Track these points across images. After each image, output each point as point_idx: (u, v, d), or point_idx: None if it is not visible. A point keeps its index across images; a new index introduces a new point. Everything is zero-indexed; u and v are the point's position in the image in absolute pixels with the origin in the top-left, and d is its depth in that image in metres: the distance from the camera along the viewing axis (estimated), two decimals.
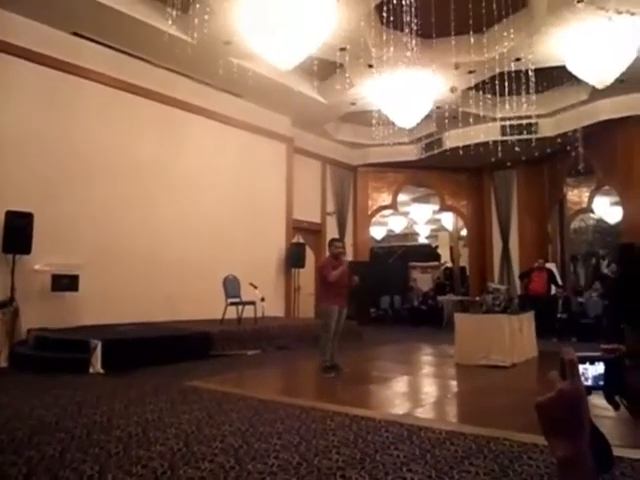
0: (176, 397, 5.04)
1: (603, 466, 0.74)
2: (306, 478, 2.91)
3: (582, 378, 0.77)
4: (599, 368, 0.79)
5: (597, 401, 0.80)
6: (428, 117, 10.78)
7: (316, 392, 5.99)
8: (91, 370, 6.36)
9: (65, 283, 7.82)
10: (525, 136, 11.62)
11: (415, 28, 7.68)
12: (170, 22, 7.69)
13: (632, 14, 7.45)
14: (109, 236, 8.61)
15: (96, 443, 3.53)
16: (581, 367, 0.77)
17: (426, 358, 8.81)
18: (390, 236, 21.97)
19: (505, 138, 11.71)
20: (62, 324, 7.67)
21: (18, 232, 7.19)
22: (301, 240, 12.64)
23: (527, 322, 8.08)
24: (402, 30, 8.04)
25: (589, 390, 0.77)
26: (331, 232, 13.29)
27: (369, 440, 3.64)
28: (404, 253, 20.40)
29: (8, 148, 7.61)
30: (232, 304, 8.80)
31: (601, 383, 0.79)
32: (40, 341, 7.04)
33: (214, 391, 5.33)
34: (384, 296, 16.15)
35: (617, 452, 3.19)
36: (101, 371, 6.35)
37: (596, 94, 9.86)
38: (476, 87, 10.39)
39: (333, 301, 6.55)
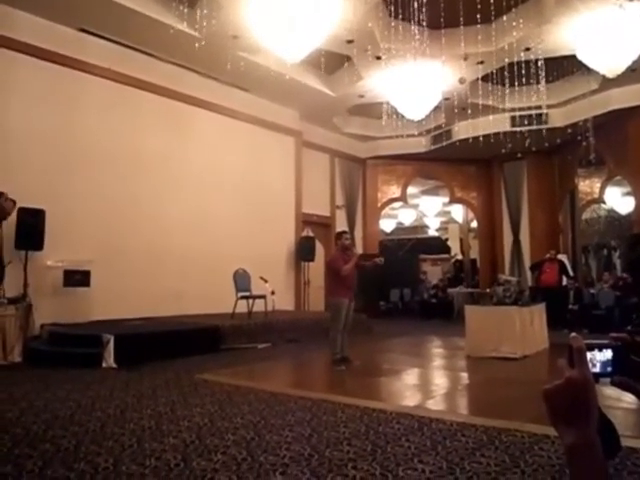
0: (188, 390, 5.08)
1: (611, 451, 0.75)
2: (317, 470, 2.93)
3: (590, 365, 0.77)
4: (607, 355, 0.79)
5: (609, 391, 0.80)
6: (437, 108, 10.73)
7: (327, 384, 6.01)
8: (104, 364, 6.42)
9: (77, 279, 7.89)
10: (535, 127, 11.54)
11: (423, 19, 7.64)
12: (177, 17, 7.71)
13: None
14: (118, 232, 8.67)
15: (110, 436, 3.57)
16: (589, 354, 0.77)
17: (436, 350, 8.80)
18: (400, 229, 21.92)
19: (515, 129, 11.63)
20: (74, 319, 7.75)
21: (30, 229, 7.26)
22: (310, 234, 12.64)
23: (538, 314, 8.04)
24: (410, 21, 8.01)
25: (597, 377, 0.77)
26: (340, 225, 13.29)
27: (380, 432, 3.65)
28: (414, 246, 20.36)
29: (16, 145, 7.67)
30: (242, 298, 8.83)
31: (609, 369, 0.79)
32: (53, 336, 7.12)
33: (225, 384, 5.37)
34: (394, 289, 16.13)
35: (629, 443, 3.18)
36: (114, 365, 6.41)
37: (607, 83, 9.76)
38: (485, 78, 10.31)
39: (343, 294, 6.56)
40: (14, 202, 2.30)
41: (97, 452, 3.23)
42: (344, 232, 7.23)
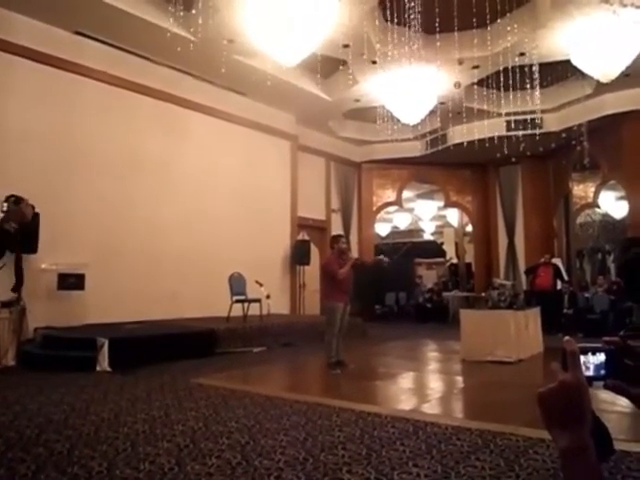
0: (182, 394, 5.06)
1: (604, 453, 0.75)
2: (312, 474, 2.92)
3: (583, 368, 0.77)
4: (600, 358, 0.79)
5: (603, 395, 0.81)
6: (432, 113, 10.76)
7: (322, 388, 6.00)
8: (98, 368, 6.40)
9: (71, 282, 7.87)
10: (530, 131, 11.59)
11: (418, 24, 7.67)
12: (173, 20, 7.71)
13: (637, 7, 7.41)
14: (113, 235, 8.64)
15: (104, 440, 3.56)
16: (583, 358, 0.78)
17: (432, 354, 8.81)
18: (395, 233, 21.95)
19: (510, 133, 11.67)
20: (68, 322, 7.71)
21: (25, 232, 7.21)
22: (306, 237, 12.65)
23: (533, 318, 8.06)
24: (405, 26, 8.04)
25: (590, 381, 0.77)
26: (336, 229, 13.30)
27: (375, 436, 3.65)
28: (409, 250, 20.37)
29: (12, 148, 7.64)
30: (238, 301, 8.82)
31: (603, 373, 0.79)
32: (47, 339, 7.08)
33: (220, 388, 5.35)
34: (389, 293, 16.14)
35: (623, 446, 3.19)
36: (108, 369, 6.39)
37: (601, 88, 9.81)
38: (480, 82, 10.36)
39: (339, 298, 6.55)
40: (33, 207, 2.35)
41: (91, 456, 3.21)
42: (340, 236, 7.23)
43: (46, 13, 7.84)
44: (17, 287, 2.36)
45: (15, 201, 2.45)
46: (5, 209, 2.50)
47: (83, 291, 7.96)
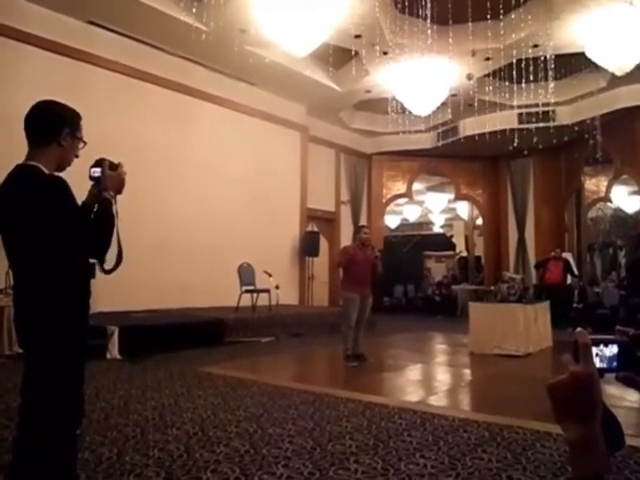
0: (191, 382, 5.10)
1: (614, 446, 0.75)
2: (320, 463, 2.94)
3: (597, 359, 0.77)
4: (613, 350, 0.79)
5: (612, 390, 0.80)
6: (444, 105, 10.70)
7: (330, 379, 6.02)
8: (108, 356, 6.45)
9: None
10: (542, 124, 11.47)
11: (431, 14, 7.62)
12: (185, 10, 7.71)
13: None
14: (123, 224, 8.60)
15: (114, 427, 3.60)
16: (595, 349, 0.77)
17: (440, 347, 8.81)
18: (404, 225, 21.89)
19: (522, 126, 11.56)
20: None
21: None
22: (315, 229, 12.64)
23: (542, 312, 8.04)
24: (418, 16, 7.98)
25: (602, 372, 0.77)
26: (345, 221, 13.29)
27: (382, 427, 3.67)
28: (418, 242, 20.32)
29: (20, 137, 7.66)
30: (247, 292, 8.85)
31: (615, 365, 0.79)
32: None
33: (229, 377, 5.39)
34: (398, 285, 16.12)
35: (631, 442, 3.18)
36: (118, 357, 6.45)
37: (615, 81, 9.70)
38: (493, 74, 10.27)
39: (352, 289, 6.37)
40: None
41: (101, 442, 3.25)
42: (363, 226, 7.14)
43: (59, 2, 7.84)
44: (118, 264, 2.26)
45: (111, 165, 2.25)
46: (96, 175, 2.23)
47: (93, 280, 7.99)
